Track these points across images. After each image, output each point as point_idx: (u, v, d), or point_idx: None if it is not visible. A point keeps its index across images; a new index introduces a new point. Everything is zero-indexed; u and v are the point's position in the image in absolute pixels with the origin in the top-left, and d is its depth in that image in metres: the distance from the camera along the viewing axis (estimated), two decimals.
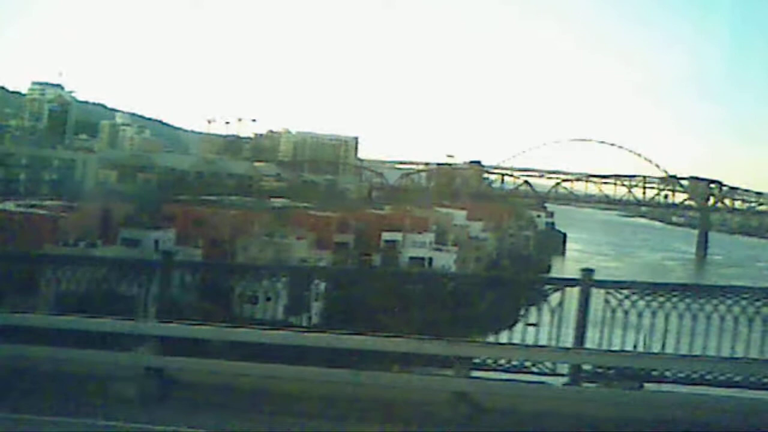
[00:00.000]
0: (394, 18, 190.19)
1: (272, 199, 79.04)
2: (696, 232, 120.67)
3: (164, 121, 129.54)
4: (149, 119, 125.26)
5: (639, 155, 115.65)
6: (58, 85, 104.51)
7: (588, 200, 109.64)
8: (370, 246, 67.55)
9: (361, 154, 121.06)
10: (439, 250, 70.81)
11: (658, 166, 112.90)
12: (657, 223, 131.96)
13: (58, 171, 70.61)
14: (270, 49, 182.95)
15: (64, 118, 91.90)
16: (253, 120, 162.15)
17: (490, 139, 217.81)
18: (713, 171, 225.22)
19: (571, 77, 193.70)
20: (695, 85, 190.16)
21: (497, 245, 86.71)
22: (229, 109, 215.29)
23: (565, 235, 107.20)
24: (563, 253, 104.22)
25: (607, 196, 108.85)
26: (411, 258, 68.22)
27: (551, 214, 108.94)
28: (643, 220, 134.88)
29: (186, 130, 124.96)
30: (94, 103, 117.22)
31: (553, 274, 79.60)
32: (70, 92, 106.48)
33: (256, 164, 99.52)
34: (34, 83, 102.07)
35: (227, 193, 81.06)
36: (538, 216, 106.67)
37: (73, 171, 70.88)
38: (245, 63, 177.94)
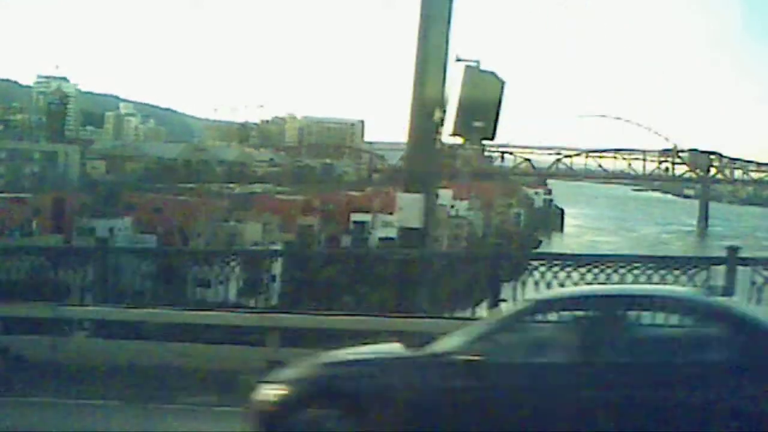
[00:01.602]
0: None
1: (255, 185, 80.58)
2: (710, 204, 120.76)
3: (176, 109, 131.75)
4: (162, 108, 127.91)
5: (649, 129, 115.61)
6: (63, 78, 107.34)
7: (588, 175, 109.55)
8: (339, 228, 68.86)
9: (368, 137, 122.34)
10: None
11: (667, 139, 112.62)
12: (669, 197, 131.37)
13: (39, 163, 73.04)
14: (276, 34, 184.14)
15: (63, 111, 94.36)
16: (261, 106, 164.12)
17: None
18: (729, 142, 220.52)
19: (577, 51, 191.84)
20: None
21: (483, 223, 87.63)
22: (239, 96, 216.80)
23: (563, 211, 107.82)
24: (561, 229, 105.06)
25: (605, 170, 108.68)
26: (380, 238, 69.36)
27: (549, 191, 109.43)
28: (655, 194, 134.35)
29: (199, 118, 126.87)
30: (106, 95, 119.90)
31: (544, 249, 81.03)
32: (75, 84, 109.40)
33: (250, 150, 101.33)
34: (39, 76, 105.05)
35: (215, 181, 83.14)
36: (536, 193, 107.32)
37: (55, 163, 73.19)
38: (252, 49, 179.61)
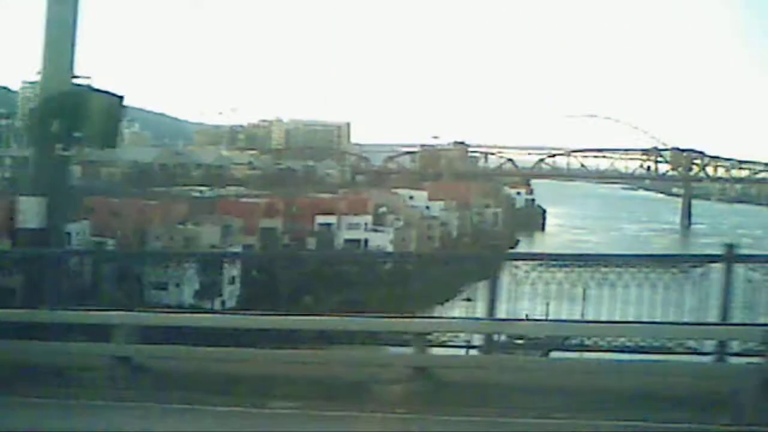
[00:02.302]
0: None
1: (230, 188, 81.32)
2: (697, 202, 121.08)
3: (168, 114, 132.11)
4: (156, 113, 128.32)
5: (637, 128, 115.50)
6: None
7: (570, 175, 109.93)
8: (304, 230, 69.45)
9: (355, 139, 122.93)
10: (376, 231, 72.50)
11: (654, 137, 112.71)
12: (659, 195, 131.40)
13: (10, 169, 74.01)
14: (262, 39, 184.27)
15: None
16: (240, 109, 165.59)
17: (488, 120, 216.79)
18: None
19: (566, 52, 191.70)
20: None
21: (459, 223, 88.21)
22: (228, 100, 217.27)
23: (544, 210, 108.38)
24: (543, 229, 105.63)
25: (588, 170, 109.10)
26: (346, 240, 70.13)
27: (531, 191, 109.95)
28: (645, 193, 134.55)
29: (191, 122, 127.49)
30: None
31: (522, 249, 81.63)
32: None
33: (234, 153, 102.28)
34: (24, 82, 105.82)
35: (191, 184, 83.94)
36: (518, 193, 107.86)
37: (26, 168, 73.69)
38: (241, 53, 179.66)
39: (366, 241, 70.62)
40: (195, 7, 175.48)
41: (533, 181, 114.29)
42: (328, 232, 70.48)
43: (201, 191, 76.42)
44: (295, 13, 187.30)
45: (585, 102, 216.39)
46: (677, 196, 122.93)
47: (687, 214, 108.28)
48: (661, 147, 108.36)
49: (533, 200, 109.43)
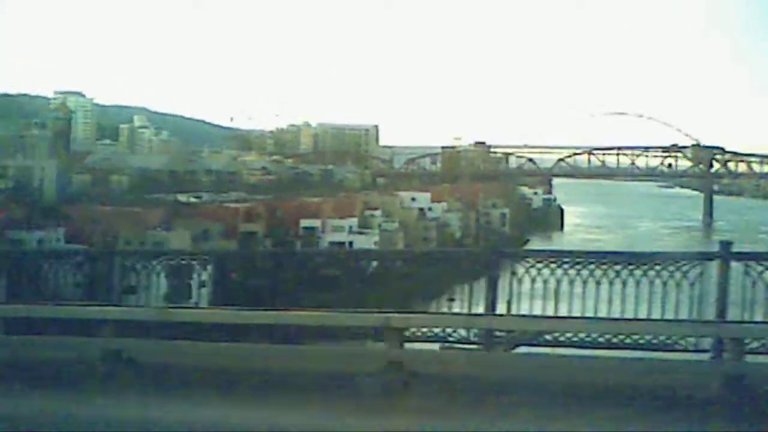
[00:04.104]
0: (405, 2, 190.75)
1: (231, 193, 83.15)
2: (731, 198, 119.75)
3: (200, 119, 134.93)
4: (187, 118, 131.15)
5: (667, 125, 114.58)
6: (79, 93, 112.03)
7: (588, 173, 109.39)
8: (287, 234, 70.84)
9: (383, 142, 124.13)
10: (361, 233, 73.62)
11: (688, 135, 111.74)
12: (693, 192, 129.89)
13: (14, 179, 77.07)
14: (288, 43, 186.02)
15: (66, 126, 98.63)
16: (276, 115, 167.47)
17: (514, 121, 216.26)
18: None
19: (594, 50, 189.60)
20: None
21: (462, 224, 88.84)
22: (257, 105, 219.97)
23: (562, 210, 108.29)
24: (561, 228, 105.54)
25: (607, 168, 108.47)
26: (330, 243, 71.27)
27: (550, 191, 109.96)
28: (680, 190, 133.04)
29: (224, 127, 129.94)
30: (132, 107, 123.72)
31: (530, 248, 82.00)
32: (91, 99, 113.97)
33: (252, 158, 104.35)
34: (56, 92, 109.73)
35: (202, 190, 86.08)
36: (535, 193, 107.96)
37: (31, 178, 77.14)
38: (272, 60, 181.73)
39: (350, 243, 71.54)
40: (213, 18, 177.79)
41: (558, 181, 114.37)
42: (312, 235, 71.65)
43: (199, 197, 78.32)
44: (323, 19, 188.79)
45: (614, 100, 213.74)
46: (715, 192, 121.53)
47: (709, 211, 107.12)
48: (681, 144, 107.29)
49: (552, 199, 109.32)
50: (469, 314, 12.92)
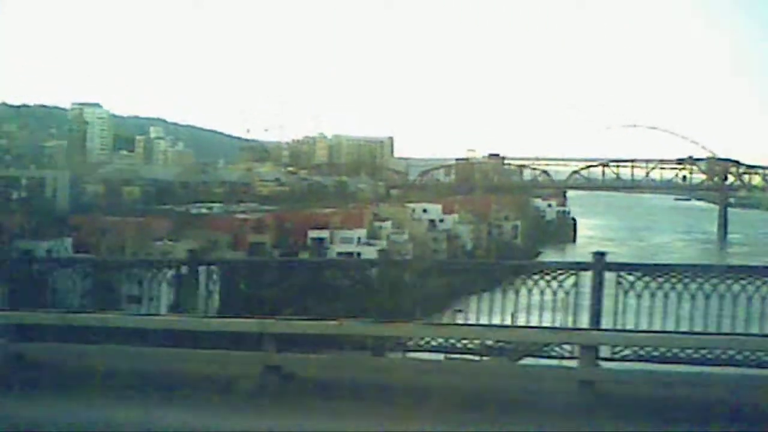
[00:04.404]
0: (418, 15, 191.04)
1: (242, 204, 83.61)
2: (748, 211, 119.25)
3: (217, 130, 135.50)
4: (206, 130, 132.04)
5: (685, 138, 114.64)
6: (96, 104, 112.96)
7: (603, 186, 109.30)
8: (296, 245, 71.17)
9: (398, 154, 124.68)
10: (369, 244, 73.79)
11: (704, 148, 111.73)
12: (710, 205, 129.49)
13: (27, 189, 77.92)
14: (305, 55, 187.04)
15: (82, 137, 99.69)
16: (293, 126, 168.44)
17: (529, 133, 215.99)
18: None
19: (610, 63, 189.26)
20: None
21: (473, 236, 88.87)
22: (283, 116, 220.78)
23: (575, 222, 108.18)
24: (574, 240, 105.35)
25: (622, 181, 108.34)
26: (338, 254, 71.45)
27: (563, 203, 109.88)
28: (697, 203, 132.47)
29: (240, 139, 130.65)
30: (150, 118, 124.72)
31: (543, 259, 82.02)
32: (108, 110, 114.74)
33: (267, 169, 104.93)
34: (73, 104, 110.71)
35: (215, 201, 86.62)
36: (549, 205, 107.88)
37: (43, 189, 77.94)
38: (288, 72, 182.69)
39: (358, 254, 71.68)
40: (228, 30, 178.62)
41: (573, 193, 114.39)
42: (320, 246, 71.89)
43: (210, 208, 78.82)
44: (340, 32, 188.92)
45: (630, 112, 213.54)
46: (729, 205, 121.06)
47: (723, 223, 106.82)
48: (696, 157, 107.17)
49: (566, 212, 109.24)
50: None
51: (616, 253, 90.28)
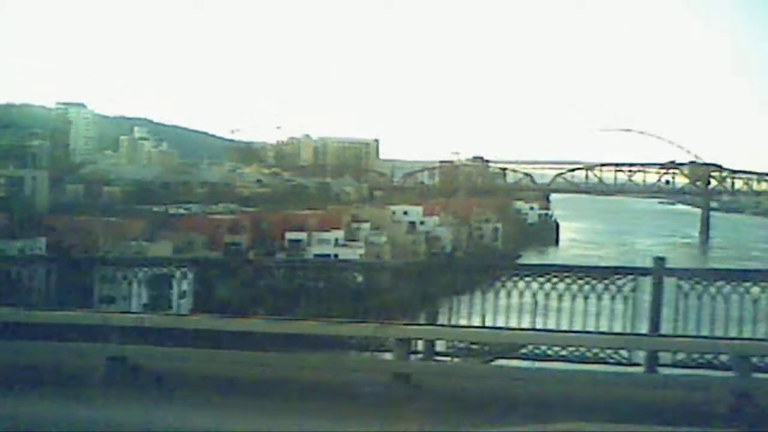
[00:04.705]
0: (405, 17, 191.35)
1: (221, 205, 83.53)
2: (732, 216, 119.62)
3: (202, 130, 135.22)
4: (191, 130, 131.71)
5: (671, 142, 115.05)
6: (81, 104, 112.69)
7: (586, 189, 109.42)
8: (273, 246, 71.10)
9: (384, 156, 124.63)
10: (346, 246, 73.75)
11: (689, 152, 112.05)
12: (695, 209, 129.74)
13: (4, 189, 77.66)
14: (291, 57, 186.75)
15: (65, 137, 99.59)
16: (278, 127, 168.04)
17: (515, 136, 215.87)
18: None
19: (597, 66, 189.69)
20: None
21: (453, 238, 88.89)
22: (269, 117, 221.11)
23: (558, 225, 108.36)
24: (557, 243, 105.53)
25: (605, 185, 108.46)
26: (315, 255, 71.37)
27: (547, 206, 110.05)
28: (682, 207, 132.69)
29: (228, 140, 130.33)
30: (136, 118, 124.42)
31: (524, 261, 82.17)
32: (92, 110, 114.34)
33: (243, 171, 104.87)
34: (57, 103, 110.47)
35: (190, 202, 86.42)
36: (531, 208, 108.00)
37: (22, 188, 77.77)
38: (275, 73, 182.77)
39: (336, 256, 71.66)
40: (213, 20, 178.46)
41: (558, 196, 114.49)
42: (297, 247, 71.87)
43: (188, 209, 78.72)
44: (327, 34, 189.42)
45: (616, 116, 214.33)
46: (713, 209, 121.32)
47: (706, 227, 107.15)
48: (679, 161, 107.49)
49: (549, 215, 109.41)
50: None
51: (598, 257, 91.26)
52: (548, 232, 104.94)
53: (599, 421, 9.95)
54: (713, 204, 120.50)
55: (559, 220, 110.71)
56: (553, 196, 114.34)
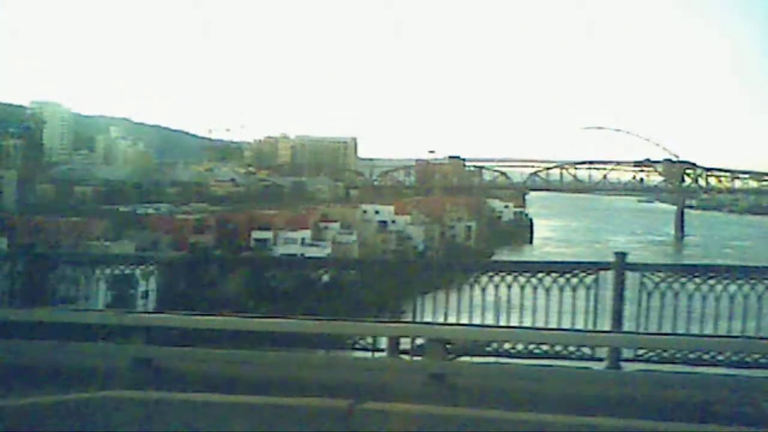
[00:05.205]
0: (382, 16, 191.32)
1: (191, 205, 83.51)
2: (706, 214, 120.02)
3: (186, 131, 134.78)
4: (172, 130, 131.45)
5: (648, 140, 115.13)
6: (56, 103, 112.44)
7: (560, 188, 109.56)
8: (239, 245, 71.05)
9: (362, 155, 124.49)
10: (313, 245, 73.77)
11: (665, 149, 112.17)
12: (672, 207, 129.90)
13: None
14: (269, 56, 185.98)
15: (38, 136, 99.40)
16: (242, 126, 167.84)
17: (492, 134, 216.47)
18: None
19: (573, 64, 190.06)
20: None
21: (425, 237, 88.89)
22: (240, 116, 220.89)
23: (532, 223, 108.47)
24: (531, 242, 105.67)
25: (579, 183, 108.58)
26: (282, 255, 71.45)
27: (522, 204, 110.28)
28: (660, 205, 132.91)
29: (206, 138, 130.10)
30: (116, 117, 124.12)
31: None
32: (68, 109, 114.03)
33: (219, 170, 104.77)
34: (32, 102, 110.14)
35: (164, 201, 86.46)
36: (506, 206, 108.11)
37: None
38: (251, 71, 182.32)
39: (302, 255, 71.70)
40: (192, 13, 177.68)
41: (535, 195, 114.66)
42: (264, 247, 71.84)
43: (157, 208, 78.70)
44: (305, 33, 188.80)
45: (595, 114, 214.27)
46: (691, 207, 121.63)
47: (680, 225, 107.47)
48: (654, 159, 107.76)
49: (524, 213, 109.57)
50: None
51: (572, 255, 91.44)
52: (523, 231, 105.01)
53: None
54: (692, 202, 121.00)
55: (534, 219, 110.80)
56: (530, 195, 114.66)
